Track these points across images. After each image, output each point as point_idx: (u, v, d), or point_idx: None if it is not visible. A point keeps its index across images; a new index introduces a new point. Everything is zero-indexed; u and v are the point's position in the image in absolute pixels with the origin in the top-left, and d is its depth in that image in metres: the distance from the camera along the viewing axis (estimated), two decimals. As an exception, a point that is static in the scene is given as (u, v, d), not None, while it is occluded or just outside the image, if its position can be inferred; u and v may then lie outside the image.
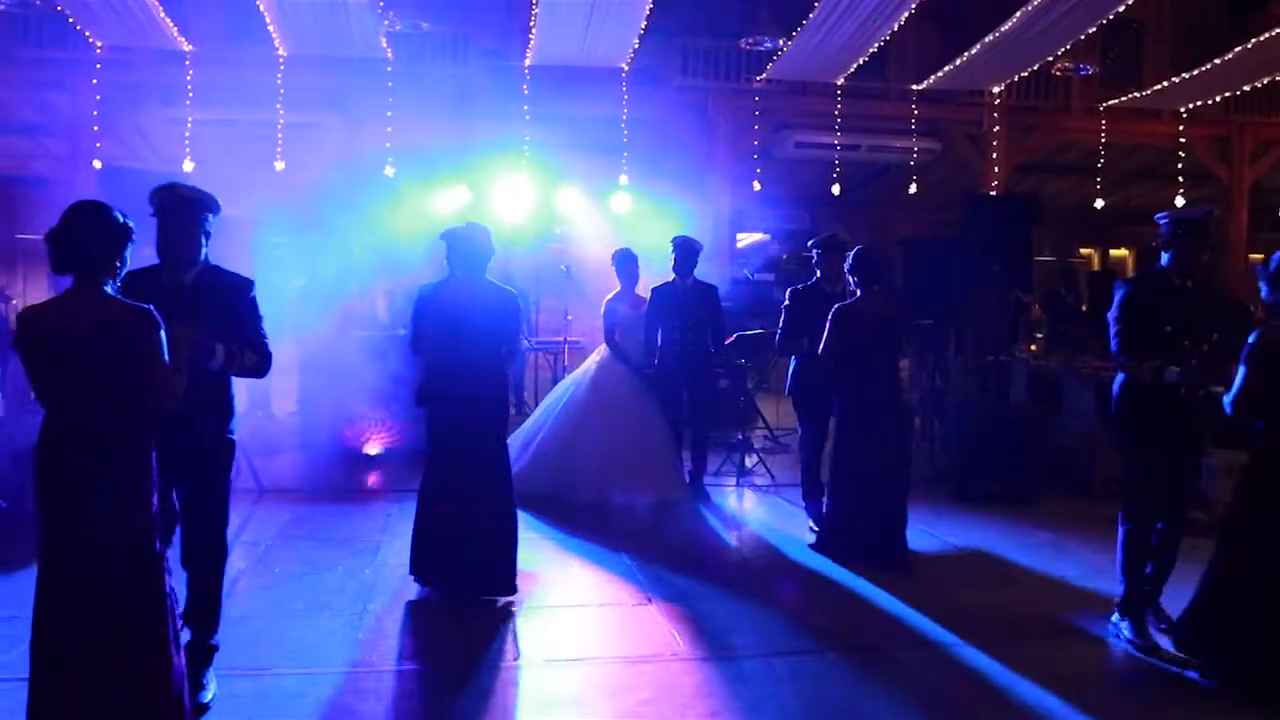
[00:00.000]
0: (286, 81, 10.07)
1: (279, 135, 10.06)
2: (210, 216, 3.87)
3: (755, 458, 8.40)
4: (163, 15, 9.05)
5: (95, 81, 10.05)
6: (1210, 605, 4.06)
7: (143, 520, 3.13)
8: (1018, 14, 9.16)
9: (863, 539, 5.62)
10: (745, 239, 13.83)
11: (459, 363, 4.91)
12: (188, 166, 9.93)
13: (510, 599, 4.90)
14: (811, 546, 5.96)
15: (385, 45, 9.75)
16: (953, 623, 4.73)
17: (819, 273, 6.36)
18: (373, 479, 8.09)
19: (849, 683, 4.07)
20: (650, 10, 8.97)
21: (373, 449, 8.54)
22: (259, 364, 3.86)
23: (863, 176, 12.24)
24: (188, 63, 10.01)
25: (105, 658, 3.09)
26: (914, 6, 9.02)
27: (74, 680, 3.08)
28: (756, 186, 11.08)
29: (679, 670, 4.15)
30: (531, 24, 9.33)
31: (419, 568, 5.02)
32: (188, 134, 10.01)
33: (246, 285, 3.93)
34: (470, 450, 4.89)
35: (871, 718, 3.76)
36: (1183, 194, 11.97)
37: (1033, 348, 10.38)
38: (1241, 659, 3.93)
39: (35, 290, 12.35)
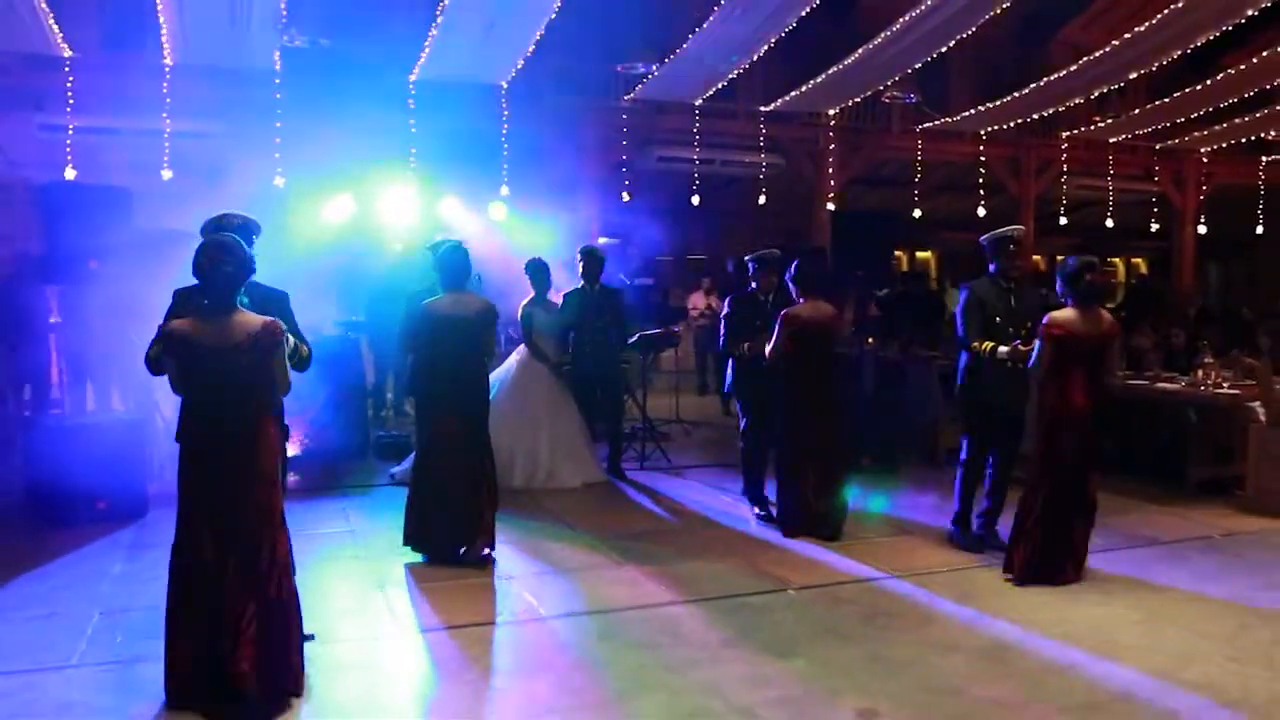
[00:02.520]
0: (172, 90, 10.12)
1: (165, 144, 10.10)
2: (255, 239, 4.54)
3: (654, 444, 9.32)
4: (51, 21, 8.99)
5: (-37, 86, 9.78)
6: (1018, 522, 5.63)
7: (274, 490, 3.90)
8: (859, 50, 10.53)
9: (817, 516, 6.44)
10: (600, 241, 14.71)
11: (452, 361, 5.76)
12: (70, 174, 9.82)
13: (492, 552, 5.84)
14: (785, 533, 6.48)
15: (277, 58, 10.01)
16: (874, 564, 5.89)
17: (754, 283, 7.05)
18: (294, 479, 8.46)
19: (819, 609, 5.10)
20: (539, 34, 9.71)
21: (291, 450, 8.89)
22: (309, 357, 4.53)
23: (715, 187, 13.42)
24: (67, 69, 9.89)
25: (245, 589, 3.79)
26: (772, 41, 10.24)
27: (222, 607, 3.77)
28: (626, 197, 12.03)
29: (682, 613, 5.04)
30: (426, 43, 9.87)
31: (416, 539, 5.85)
32: (69, 142, 9.88)
33: (285, 296, 4.66)
34: (462, 432, 5.79)
35: (849, 630, 4.80)
36: (983, 205, 13.86)
37: (870, 340, 11.79)
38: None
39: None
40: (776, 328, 6.46)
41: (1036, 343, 5.51)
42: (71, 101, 9.90)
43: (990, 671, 4.33)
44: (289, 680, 3.89)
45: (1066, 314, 5.44)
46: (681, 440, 10.44)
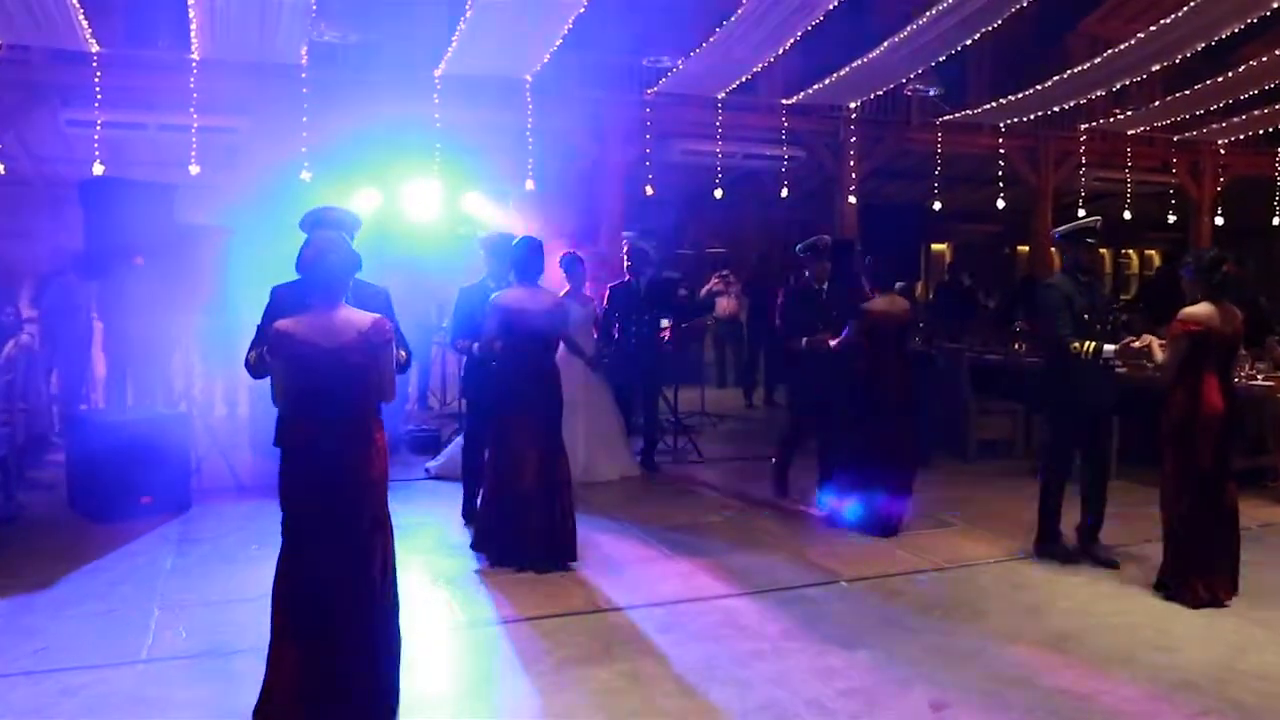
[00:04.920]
0: (199, 85, 10.11)
1: (193, 139, 10.09)
2: (354, 234, 4.45)
3: (685, 438, 9.35)
4: (81, 17, 8.98)
5: (-7, 81, 9.77)
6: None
7: (381, 491, 3.75)
8: (884, 44, 10.53)
9: (883, 512, 6.38)
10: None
11: (528, 357, 5.59)
12: (97, 169, 9.82)
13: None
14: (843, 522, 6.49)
15: (303, 53, 10.00)
16: (922, 557, 5.93)
17: (807, 272, 7.00)
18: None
19: (875, 601, 5.14)
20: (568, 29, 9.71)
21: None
22: (408, 360, 4.42)
23: (734, 180, 13.43)
24: (95, 64, 9.88)
25: (360, 598, 3.63)
26: (797, 35, 10.23)
27: (334, 620, 3.57)
28: (649, 191, 12.04)
29: (739, 605, 5.08)
30: (454, 37, 9.86)
31: (503, 554, 5.58)
32: (97, 137, 9.87)
33: (386, 294, 4.53)
34: (543, 433, 5.60)
35: (907, 621, 4.84)
36: (1002, 197, 13.87)
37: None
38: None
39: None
40: (851, 321, 6.43)
41: (1155, 340, 5.25)
42: (99, 97, 9.88)
43: (1054, 661, 4.37)
44: (390, 695, 3.76)
45: (1203, 309, 5.09)
46: (709, 434, 10.46)
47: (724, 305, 13.78)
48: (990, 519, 6.84)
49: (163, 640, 4.56)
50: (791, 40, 10.35)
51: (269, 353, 3.67)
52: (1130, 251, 20.21)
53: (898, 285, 13.56)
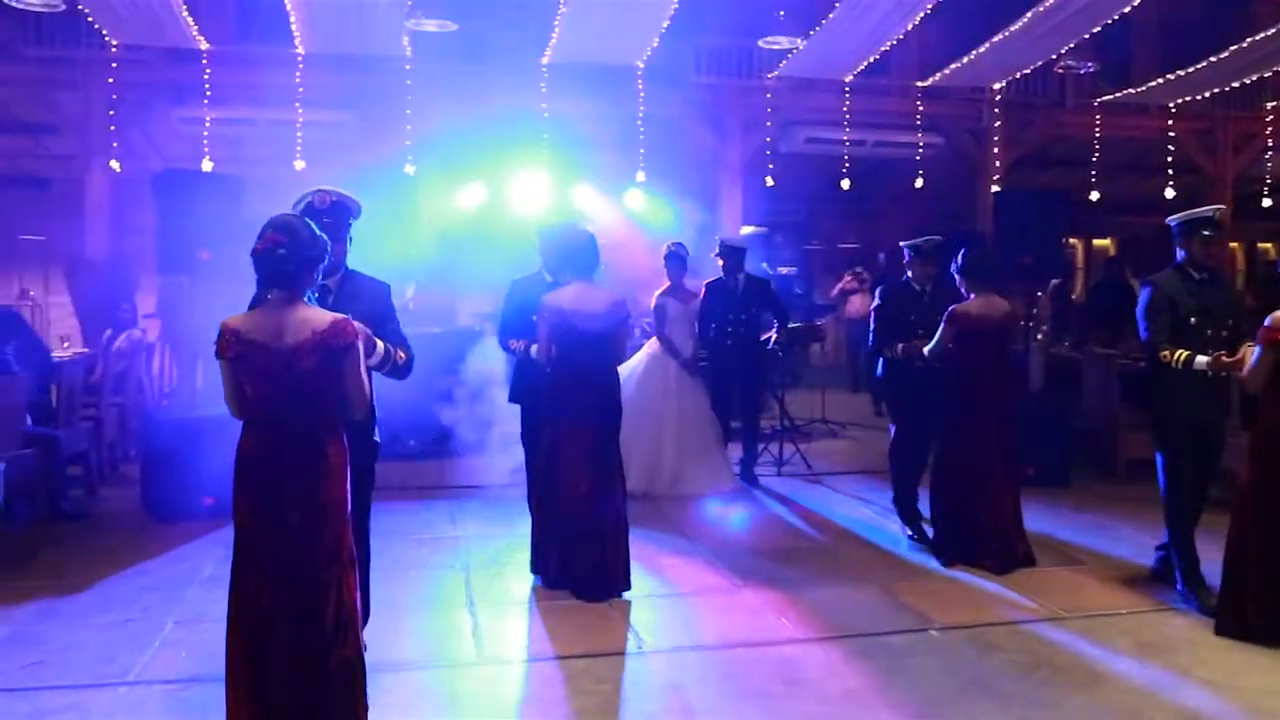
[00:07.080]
0: (304, 80, 10.06)
1: (298, 134, 10.04)
2: (353, 221, 3.99)
3: (793, 448, 8.58)
4: (185, 13, 9.01)
5: (111, 80, 9.95)
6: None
7: (343, 524, 3.27)
8: (1028, 15, 9.45)
9: (984, 540, 5.57)
10: (743, 230, 14.06)
11: (580, 365, 4.98)
12: (206, 166, 9.88)
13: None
14: (943, 562, 5.65)
15: (406, 43, 9.78)
16: (1038, 600, 5.02)
17: (910, 273, 6.24)
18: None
19: (968, 657, 4.30)
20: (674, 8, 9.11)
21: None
22: (408, 364, 3.94)
23: (865, 170, 12.52)
24: (205, 61, 9.95)
25: (303, 650, 3.18)
26: (929, 7, 9.29)
27: (272, 672, 3.17)
28: (770, 182, 11.31)
29: (802, 654, 4.35)
30: (555, 22, 9.43)
31: (547, 573, 5.13)
32: (206, 133, 9.95)
33: (385, 289, 4.06)
34: (593, 451, 4.99)
35: (1002, 686, 3.99)
36: (1171, 185, 12.40)
37: (1039, 336, 10.71)
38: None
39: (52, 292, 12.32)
40: (942, 325, 5.61)
41: (1254, 349, 4.43)
42: (209, 93, 9.95)
43: (1183, 754, 3.48)
44: None
45: None
46: (825, 443, 9.63)
47: (856, 304, 12.89)
48: (1129, 556, 5.83)
49: (159, 660, 4.22)
50: (923, 14, 9.43)
51: (215, 352, 3.23)
52: (1328, 248, 17.97)
53: (1052, 283, 12.41)
